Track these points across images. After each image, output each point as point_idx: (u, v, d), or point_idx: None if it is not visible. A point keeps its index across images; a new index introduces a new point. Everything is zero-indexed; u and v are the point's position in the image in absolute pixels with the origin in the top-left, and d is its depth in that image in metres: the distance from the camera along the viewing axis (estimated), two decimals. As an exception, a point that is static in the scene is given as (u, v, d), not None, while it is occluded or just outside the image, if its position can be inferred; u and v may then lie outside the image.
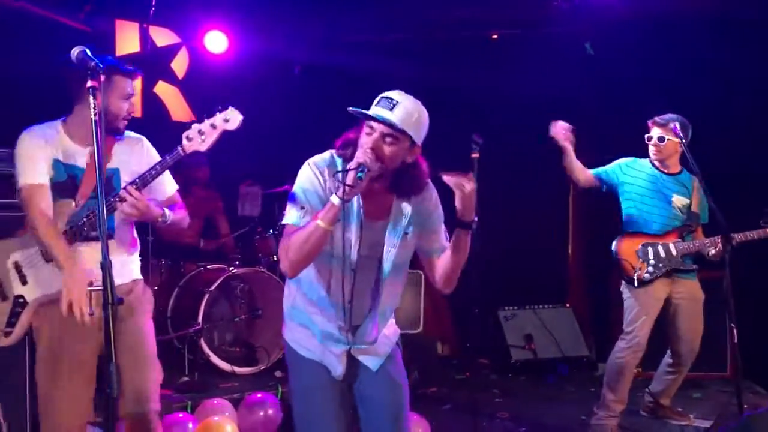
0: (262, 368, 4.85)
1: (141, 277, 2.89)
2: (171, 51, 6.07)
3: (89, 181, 2.66)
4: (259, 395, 4.24)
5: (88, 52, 2.08)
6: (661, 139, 4.03)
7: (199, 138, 2.64)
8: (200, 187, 5.71)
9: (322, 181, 2.36)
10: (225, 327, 5.23)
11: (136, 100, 2.83)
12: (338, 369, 2.42)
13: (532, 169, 5.77)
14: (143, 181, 2.63)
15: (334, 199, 2.21)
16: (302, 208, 2.33)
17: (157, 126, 4.81)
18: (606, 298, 5.64)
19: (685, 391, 4.98)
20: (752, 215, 4.96)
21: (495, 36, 6.16)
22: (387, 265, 2.40)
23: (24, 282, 2.62)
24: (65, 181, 2.66)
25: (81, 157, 2.70)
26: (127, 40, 5.79)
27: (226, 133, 2.68)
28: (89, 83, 1.98)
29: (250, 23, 6.03)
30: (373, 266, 2.42)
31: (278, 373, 4.82)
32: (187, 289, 4.98)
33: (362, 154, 2.23)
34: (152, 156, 2.84)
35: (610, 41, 5.75)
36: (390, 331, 2.55)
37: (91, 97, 1.97)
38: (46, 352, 2.63)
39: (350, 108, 2.30)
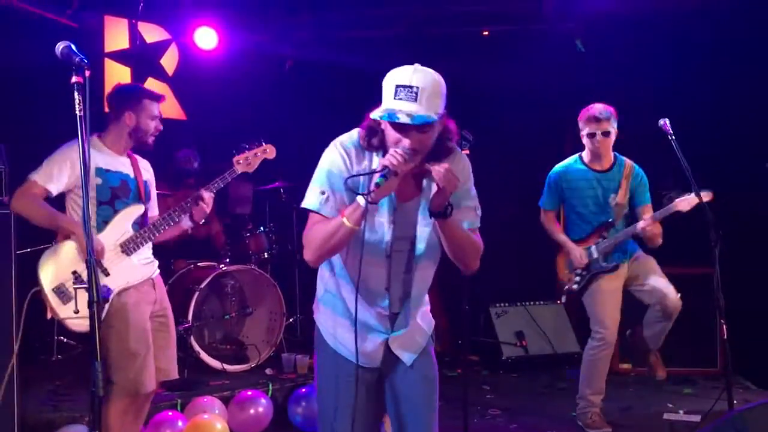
0: (252, 366, 4.83)
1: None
2: (160, 47, 6.04)
3: (141, 188, 3.36)
4: (249, 393, 4.23)
5: (73, 47, 2.06)
6: (605, 133, 4.04)
7: (245, 162, 3.54)
8: (191, 180, 5.65)
9: (348, 163, 2.23)
10: (215, 325, 5.20)
11: None
12: (375, 360, 2.34)
13: (523, 164, 5.77)
14: (210, 190, 3.43)
15: (361, 200, 2.11)
16: (323, 192, 2.21)
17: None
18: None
19: (675, 386, 5.02)
20: (741, 209, 5.00)
21: (486, 32, 6.15)
22: (421, 245, 2.30)
23: (106, 274, 3.13)
24: (119, 186, 3.27)
25: (123, 166, 3.33)
26: (116, 36, 5.76)
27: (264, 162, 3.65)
28: (74, 79, 1.96)
29: (240, 19, 6.01)
30: (406, 248, 2.32)
31: (269, 371, 4.81)
32: (177, 287, 4.95)
33: (390, 158, 2.10)
34: (153, 175, 3.54)
35: (600, 38, 5.76)
36: (425, 321, 2.46)
37: (75, 93, 1.95)
38: (135, 326, 3.21)
39: (375, 116, 2.14)
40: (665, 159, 4.09)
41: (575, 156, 4.24)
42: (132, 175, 3.35)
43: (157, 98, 3.40)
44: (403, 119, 2.07)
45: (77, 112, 1.93)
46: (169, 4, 5.82)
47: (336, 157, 2.24)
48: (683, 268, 5.08)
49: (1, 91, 4.73)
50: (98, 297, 1.81)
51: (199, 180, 5.80)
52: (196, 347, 4.68)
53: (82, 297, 2.95)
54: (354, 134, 2.29)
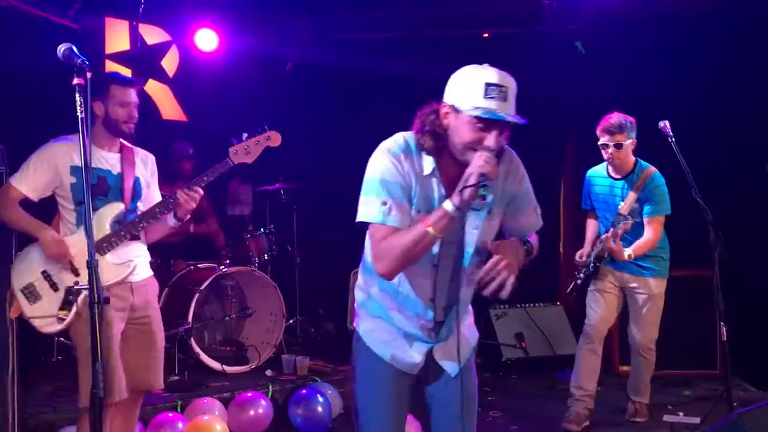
0: (252, 367, 4.83)
1: (152, 273, 3.33)
2: (161, 49, 6.04)
3: (128, 185, 3.12)
4: (249, 394, 4.23)
5: (75, 49, 2.07)
6: (617, 146, 4.06)
7: (245, 151, 3.17)
8: (186, 180, 5.64)
9: (400, 169, 2.16)
10: (215, 326, 5.21)
11: None
12: (416, 365, 2.31)
13: (523, 167, 5.76)
14: (198, 184, 3.11)
15: (448, 206, 2.06)
16: (384, 203, 2.13)
17: (148, 124, 4.78)
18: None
19: (674, 388, 5.01)
20: (741, 211, 5.01)
21: (486, 35, 6.16)
22: (470, 250, 2.25)
23: (77, 274, 2.97)
24: (96, 183, 3.04)
25: (103, 162, 3.10)
26: (117, 37, 5.76)
27: (267, 149, 3.19)
28: (75, 81, 1.97)
29: (241, 21, 6.01)
30: (454, 253, 2.26)
31: (269, 372, 4.81)
32: (177, 288, 4.96)
33: (484, 165, 2.05)
34: (155, 172, 3.35)
35: (600, 40, 5.76)
36: (470, 332, 2.44)
37: (77, 95, 1.95)
38: (102, 331, 2.90)
39: (479, 114, 2.06)
40: (666, 160, 4.10)
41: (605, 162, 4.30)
42: (115, 171, 3.13)
43: (128, 83, 3.16)
44: (511, 119, 2.07)
45: (78, 113, 1.94)
46: (169, 6, 5.82)
47: (388, 164, 2.16)
48: (683, 270, 5.08)
49: (2, 92, 4.73)
50: (99, 298, 1.81)
51: (197, 172, 5.79)
52: (196, 348, 4.68)
53: (50, 297, 2.98)
54: (399, 139, 2.23)
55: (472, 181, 2.04)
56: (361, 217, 2.17)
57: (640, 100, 5.25)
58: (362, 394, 2.36)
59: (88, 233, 1.86)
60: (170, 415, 3.91)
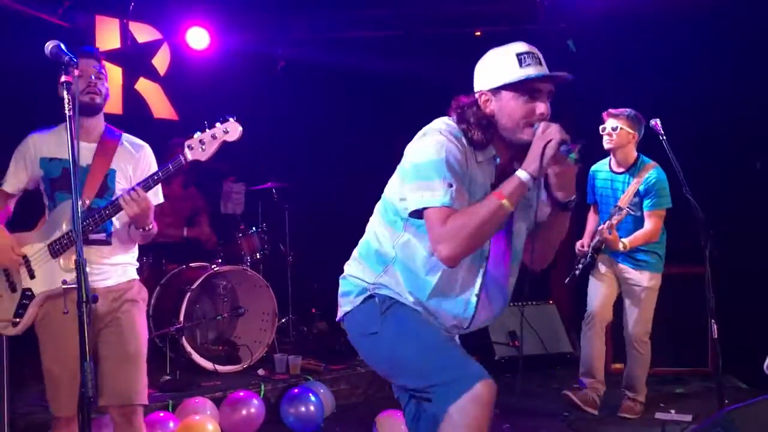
0: (244, 366, 4.81)
1: (137, 277, 2.99)
2: (152, 47, 6.02)
3: (95, 180, 2.79)
4: (241, 394, 4.21)
5: (62, 46, 2.05)
6: (614, 128, 4.17)
7: (200, 147, 2.73)
8: (183, 178, 5.60)
9: (463, 152, 2.06)
10: (207, 325, 5.19)
11: (115, 93, 2.78)
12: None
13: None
14: (146, 186, 2.70)
15: (522, 174, 1.99)
16: (450, 185, 2.00)
17: (139, 123, 4.77)
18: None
19: (666, 386, 5.02)
20: (732, 209, 5.02)
21: (478, 33, 6.16)
22: (518, 242, 2.19)
23: (32, 276, 2.74)
24: (60, 177, 2.78)
25: (81, 152, 2.74)
26: (108, 36, 5.73)
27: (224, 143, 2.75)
28: (63, 78, 1.95)
29: (233, 19, 6.00)
30: (502, 245, 2.17)
31: (261, 371, 4.80)
32: (168, 288, 4.94)
33: (556, 132, 1.99)
34: (151, 164, 2.96)
35: (592, 38, 5.77)
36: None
37: (65, 92, 1.94)
38: (52, 341, 2.75)
39: (523, 77, 2.03)
40: (657, 158, 4.11)
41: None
42: (84, 163, 2.78)
43: (81, 53, 2.73)
44: (557, 73, 2.05)
45: (66, 111, 1.93)
46: (160, 4, 5.80)
47: (451, 146, 2.05)
48: (675, 267, 5.09)
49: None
50: (87, 297, 1.80)
51: (192, 171, 5.75)
52: (188, 348, 4.66)
53: (7, 298, 2.78)
54: (451, 123, 2.14)
55: (551, 150, 1.97)
56: (422, 202, 2.02)
57: (631, 98, 5.24)
58: (421, 343, 2.13)
59: (76, 230, 1.84)
60: (161, 414, 3.88)
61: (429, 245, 2.09)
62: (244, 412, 4.11)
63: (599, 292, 4.40)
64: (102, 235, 2.80)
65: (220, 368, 4.72)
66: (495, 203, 1.98)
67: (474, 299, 2.16)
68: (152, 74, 6.02)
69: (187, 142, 2.75)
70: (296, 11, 5.86)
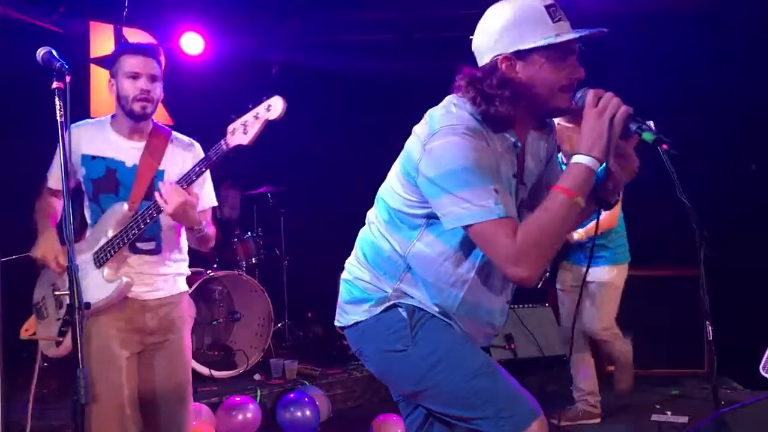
0: (240, 371, 4.81)
1: (188, 289, 2.77)
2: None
3: (142, 181, 2.55)
4: (237, 399, 4.21)
5: (54, 53, 2.05)
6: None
7: (242, 130, 2.48)
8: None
9: (487, 147, 1.78)
10: (203, 330, 5.18)
11: (110, 98, 2.62)
12: None
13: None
14: (188, 179, 2.47)
15: (586, 160, 1.71)
16: (496, 191, 1.72)
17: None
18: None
19: (662, 387, 5.02)
20: (732, 211, 5.03)
21: (472, 37, 6.16)
22: None
23: (86, 306, 2.47)
24: (103, 177, 2.56)
25: (119, 151, 2.59)
26: (102, 41, 5.72)
27: (268, 124, 2.50)
28: (54, 84, 1.95)
29: (226, 24, 6.00)
30: None
31: (257, 376, 4.79)
32: (164, 293, 4.93)
33: (619, 101, 1.74)
34: (192, 162, 2.69)
35: (587, 41, 5.77)
36: None
37: (56, 99, 1.94)
38: (96, 355, 2.49)
39: (563, 40, 1.75)
40: (651, 159, 4.11)
41: None
42: (130, 163, 2.57)
43: (138, 50, 2.56)
44: (595, 30, 1.79)
45: (58, 117, 1.92)
46: (154, 10, 5.80)
47: (475, 141, 1.75)
48: (670, 269, 5.11)
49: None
50: (80, 303, 1.79)
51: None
52: (184, 353, 4.65)
53: (53, 315, 2.60)
54: (462, 113, 1.82)
55: (619, 125, 1.71)
56: (470, 216, 1.71)
57: (626, 99, 5.24)
58: (465, 369, 1.89)
59: (68, 237, 1.83)
60: (157, 420, 3.87)
61: (453, 256, 1.87)
62: (240, 417, 4.10)
63: (565, 308, 4.34)
64: (151, 244, 2.58)
65: (216, 373, 4.71)
66: (567, 202, 1.69)
67: (507, 306, 2.00)
68: (147, 79, 6.00)
69: (229, 127, 2.52)
70: (289, 15, 5.86)
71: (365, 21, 6.02)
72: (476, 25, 1.91)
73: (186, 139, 2.77)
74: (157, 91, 2.59)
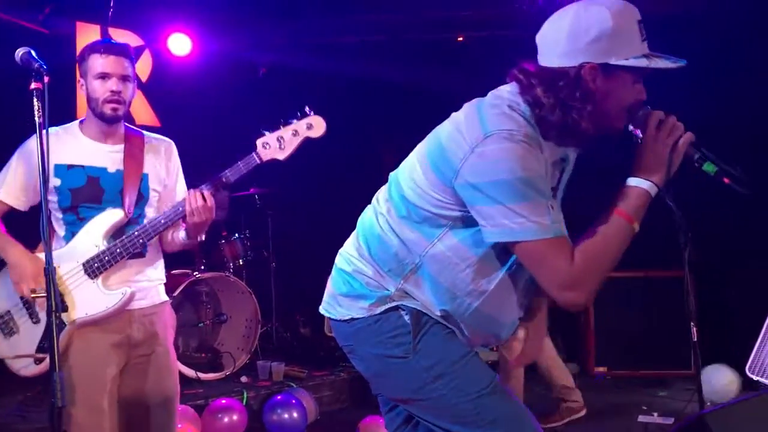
0: (227, 374, 4.80)
1: (167, 299, 2.70)
2: (134, 54, 5.99)
3: (132, 186, 2.46)
4: (223, 401, 4.20)
5: (33, 53, 2.03)
6: None
7: (279, 145, 2.46)
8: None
9: (540, 157, 1.67)
10: (189, 332, 5.16)
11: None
12: None
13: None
14: (214, 188, 2.43)
15: (647, 186, 1.67)
16: (551, 206, 1.65)
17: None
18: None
19: (650, 388, 5.04)
20: (721, 213, 5.04)
21: (461, 38, 6.17)
22: None
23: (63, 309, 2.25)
24: (85, 185, 2.44)
25: (100, 157, 2.47)
26: (88, 42, 5.69)
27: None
28: (33, 85, 1.93)
29: (214, 25, 5.98)
30: None
31: (244, 379, 4.78)
32: (150, 295, 4.90)
33: (682, 127, 1.69)
34: (176, 162, 2.67)
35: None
36: None
37: (35, 100, 1.92)
38: (84, 369, 2.38)
39: (649, 66, 1.65)
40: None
41: None
42: (113, 169, 2.46)
43: (107, 49, 2.46)
44: (680, 63, 1.68)
45: (36, 119, 1.91)
46: (141, 11, 5.77)
47: (534, 150, 1.66)
48: (658, 271, 5.12)
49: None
50: (57, 306, 1.77)
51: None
52: (170, 356, 4.63)
53: (28, 331, 2.42)
54: (517, 116, 1.70)
55: (681, 153, 1.66)
56: (523, 233, 1.62)
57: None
58: (471, 386, 1.81)
59: (45, 239, 1.82)
60: (142, 423, 3.85)
61: (477, 264, 1.78)
62: (226, 419, 4.09)
63: None
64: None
65: (202, 375, 4.69)
66: (626, 228, 1.65)
67: (518, 321, 1.90)
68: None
69: (260, 140, 2.47)
70: (277, 17, 5.85)
71: (354, 22, 6.02)
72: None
73: (161, 137, 2.70)
74: (129, 92, 2.50)
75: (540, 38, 1.79)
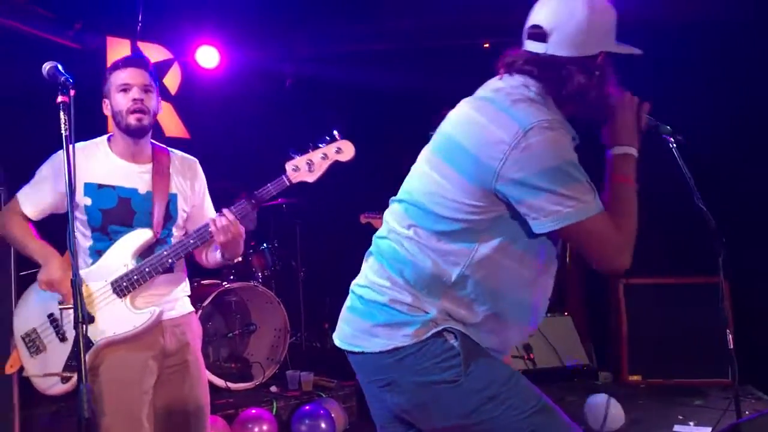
0: (256, 384, 4.80)
1: (192, 309, 2.73)
2: (163, 67, 6.07)
3: (161, 207, 2.49)
4: (253, 411, 4.21)
5: (60, 67, 2.05)
6: None
7: (308, 168, 2.51)
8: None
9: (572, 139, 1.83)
10: (219, 342, 5.18)
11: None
12: None
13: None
14: (241, 210, 2.47)
15: (633, 151, 1.88)
16: (592, 188, 1.76)
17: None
18: (604, 305, 5.60)
19: (686, 397, 4.94)
20: (752, 218, 4.94)
21: (486, 44, 6.14)
22: None
23: (91, 320, 2.14)
24: (116, 207, 2.45)
25: (129, 178, 2.50)
26: (119, 56, 5.77)
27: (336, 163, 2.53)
28: (59, 99, 1.95)
29: (241, 38, 6.04)
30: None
31: (273, 388, 4.78)
32: (180, 305, 4.94)
33: (637, 98, 1.95)
34: (202, 181, 2.72)
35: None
36: None
37: (61, 113, 1.94)
38: (114, 387, 2.41)
39: (633, 53, 1.89)
40: (667, 167, 4.05)
41: None
42: (143, 190, 2.49)
43: (125, 62, 2.49)
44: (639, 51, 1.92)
45: (63, 131, 1.93)
46: (170, 24, 5.85)
47: (567, 141, 1.78)
48: (692, 278, 5.02)
49: (4, 114, 4.75)
50: (84, 317, 1.78)
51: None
52: (200, 366, 4.66)
53: (55, 349, 2.43)
54: (550, 107, 1.82)
55: (644, 120, 1.94)
56: (580, 213, 1.71)
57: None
58: (525, 404, 1.82)
59: (72, 251, 1.83)
60: (173, 433, 3.87)
61: (521, 257, 1.82)
62: (256, 429, 4.10)
63: None
64: None
65: (232, 385, 4.71)
66: (633, 190, 1.84)
67: (547, 301, 1.95)
68: (163, 93, 6.01)
69: (290, 163, 2.50)
70: (304, 28, 5.89)
71: (377, 31, 6.03)
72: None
73: (187, 156, 2.73)
74: (152, 102, 2.51)
75: (551, 26, 1.85)
